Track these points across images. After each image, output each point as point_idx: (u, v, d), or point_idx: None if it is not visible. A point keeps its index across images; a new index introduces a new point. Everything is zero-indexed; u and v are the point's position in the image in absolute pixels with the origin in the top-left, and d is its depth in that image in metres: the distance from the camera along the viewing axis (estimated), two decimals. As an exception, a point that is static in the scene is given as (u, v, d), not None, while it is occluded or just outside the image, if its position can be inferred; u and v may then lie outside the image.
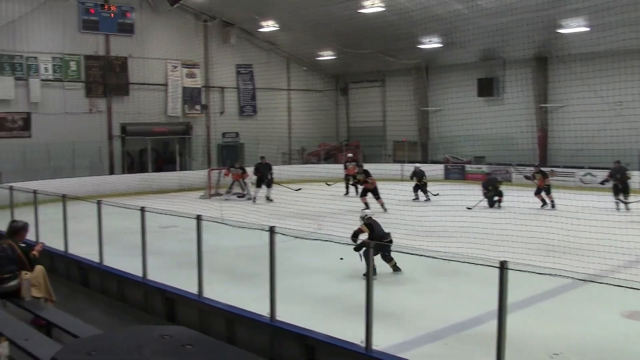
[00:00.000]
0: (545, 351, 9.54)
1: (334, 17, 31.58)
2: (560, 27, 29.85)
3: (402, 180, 31.88)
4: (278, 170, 31.08)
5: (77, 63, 34.07)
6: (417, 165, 30.21)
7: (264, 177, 29.23)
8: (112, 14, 34.89)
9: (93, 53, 34.59)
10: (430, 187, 28.08)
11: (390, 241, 13.86)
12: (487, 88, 36.36)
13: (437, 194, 27.15)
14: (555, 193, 24.97)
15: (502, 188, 25.78)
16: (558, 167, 31.11)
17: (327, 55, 41.69)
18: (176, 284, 11.66)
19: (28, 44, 32.27)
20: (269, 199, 28.73)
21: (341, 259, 14.48)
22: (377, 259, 13.17)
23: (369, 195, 24.89)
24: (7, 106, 31.65)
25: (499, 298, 7.15)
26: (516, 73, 32.82)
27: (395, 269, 14.07)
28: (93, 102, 34.75)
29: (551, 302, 12.06)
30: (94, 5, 34.26)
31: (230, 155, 36.95)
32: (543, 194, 24.95)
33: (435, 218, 18.05)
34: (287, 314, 9.57)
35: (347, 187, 30.39)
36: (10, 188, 18.17)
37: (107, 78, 35.02)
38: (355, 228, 14.42)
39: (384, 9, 31.44)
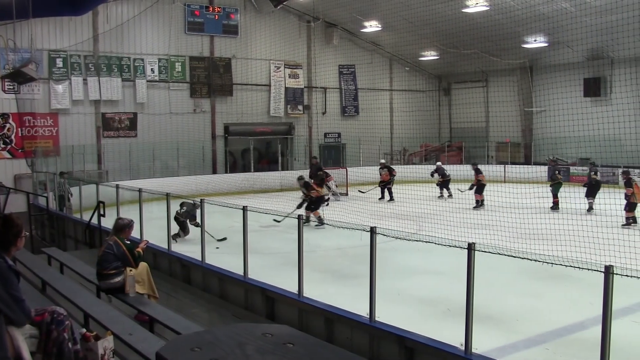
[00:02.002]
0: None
1: (438, 16, 31.32)
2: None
3: (504, 182, 31.45)
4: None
5: (182, 64, 34.79)
6: (439, 163, 31.50)
7: (312, 177, 28.82)
8: (217, 16, 35.60)
9: (198, 54, 35.31)
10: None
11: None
12: (593, 88, 35.58)
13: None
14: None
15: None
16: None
17: (429, 56, 41.44)
18: (277, 282, 11.70)
19: (135, 46, 33.21)
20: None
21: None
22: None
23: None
24: (115, 107, 32.61)
25: (603, 303, 6.94)
26: (625, 72, 31.84)
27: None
28: (197, 103, 35.46)
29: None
30: (199, 7, 34.93)
31: (332, 155, 37.03)
32: None
33: (538, 221, 17.70)
34: (388, 315, 9.46)
35: (382, 193, 30.03)
36: (117, 186, 18.58)
37: (211, 79, 35.71)
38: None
39: (488, 8, 31.14)
